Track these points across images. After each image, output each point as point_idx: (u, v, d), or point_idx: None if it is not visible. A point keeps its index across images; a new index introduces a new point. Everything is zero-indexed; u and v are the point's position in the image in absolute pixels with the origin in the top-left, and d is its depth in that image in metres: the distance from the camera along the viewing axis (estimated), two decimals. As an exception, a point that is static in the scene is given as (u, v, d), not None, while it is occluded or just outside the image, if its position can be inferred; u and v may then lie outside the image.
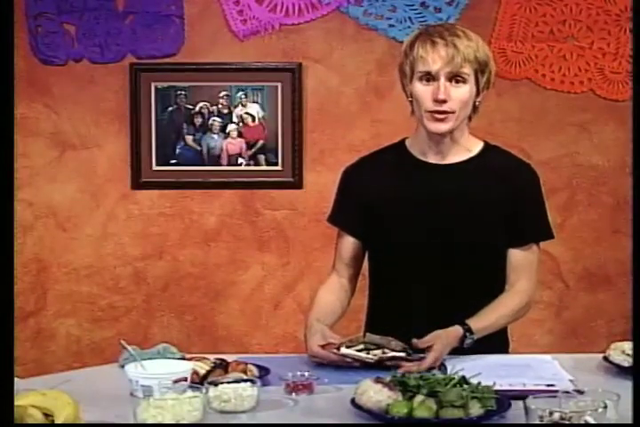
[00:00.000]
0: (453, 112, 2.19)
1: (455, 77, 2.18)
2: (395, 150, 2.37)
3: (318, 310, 2.31)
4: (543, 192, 2.35)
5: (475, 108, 2.27)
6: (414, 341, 2.10)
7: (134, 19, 3.58)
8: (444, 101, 2.17)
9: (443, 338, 2.11)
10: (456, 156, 2.30)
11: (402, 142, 2.37)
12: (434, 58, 2.17)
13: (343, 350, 2.08)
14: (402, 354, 2.07)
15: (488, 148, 2.35)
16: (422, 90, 2.20)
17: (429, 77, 2.19)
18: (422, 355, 2.06)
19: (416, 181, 2.30)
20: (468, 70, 2.18)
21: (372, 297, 2.42)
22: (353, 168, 2.41)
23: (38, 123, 3.62)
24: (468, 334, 2.15)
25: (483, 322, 2.20)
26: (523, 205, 2.29)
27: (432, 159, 2.30)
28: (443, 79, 2.17)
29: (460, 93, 2.19)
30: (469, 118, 2.29)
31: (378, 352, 2.06)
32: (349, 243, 2.39)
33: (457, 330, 2.15)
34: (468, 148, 2.31)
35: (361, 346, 2.08)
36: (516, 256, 2.30)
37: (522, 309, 2.31)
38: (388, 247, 2.33)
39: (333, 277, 2.42)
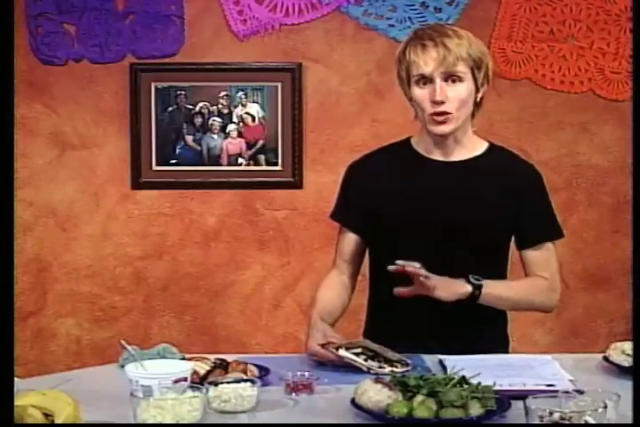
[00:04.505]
0: (452, 113, 2.20)
1: (451, 77, 2.18)
2: (400, 148, 2.37)
3: (322, 309, 2.31)
4: (548, 192, 2.35)
5: (477, 105, 2.27)
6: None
7: (134, 19, 3.57)
8: (442, 102, 2.18)
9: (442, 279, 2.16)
10: (460, 154, 2.31)
11: (407, 140, 2.37)
12: (425, 60, 2.18)
13: (341, 353, 2.07)
14: (397, 366, 2.06)
15: (492, 148, 2.36)
16: (420, 93, 2.21)
17: (425, 80, 2.19)
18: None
19: (420, 179, 2.30)
20: (462, 68, 2.18)
21: (373, 295, 2.42)
22: (357, 164, 2.42)
23: (38, 123, 3.62)
24: (476, 291, 2.17)
25: (494, 288, 2.21)
26: (528, 206, 2.29)
27: (437, 157, 2.31)
28: (438, 80, 2.18)
29: (458, 92, 2.19)
30: (472, 116, 2.29)
31: (375, 364, 2.06)
32: (350, 239, 2.39)
33: (464, 283, 2.19)
34: (472, 147, 2.32)
35: (359, 349, 2.08)
36: (529, 255, 2.32)
37: (539, 293, 2.30)
38: (390, 245, 2.32)
39: (334, 274, 2.42)
